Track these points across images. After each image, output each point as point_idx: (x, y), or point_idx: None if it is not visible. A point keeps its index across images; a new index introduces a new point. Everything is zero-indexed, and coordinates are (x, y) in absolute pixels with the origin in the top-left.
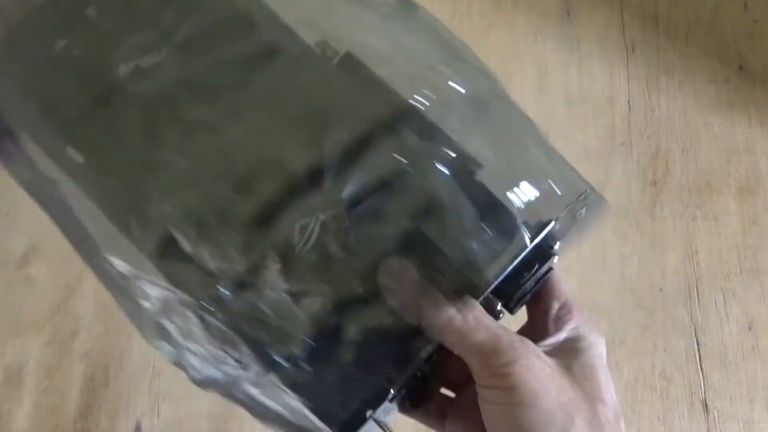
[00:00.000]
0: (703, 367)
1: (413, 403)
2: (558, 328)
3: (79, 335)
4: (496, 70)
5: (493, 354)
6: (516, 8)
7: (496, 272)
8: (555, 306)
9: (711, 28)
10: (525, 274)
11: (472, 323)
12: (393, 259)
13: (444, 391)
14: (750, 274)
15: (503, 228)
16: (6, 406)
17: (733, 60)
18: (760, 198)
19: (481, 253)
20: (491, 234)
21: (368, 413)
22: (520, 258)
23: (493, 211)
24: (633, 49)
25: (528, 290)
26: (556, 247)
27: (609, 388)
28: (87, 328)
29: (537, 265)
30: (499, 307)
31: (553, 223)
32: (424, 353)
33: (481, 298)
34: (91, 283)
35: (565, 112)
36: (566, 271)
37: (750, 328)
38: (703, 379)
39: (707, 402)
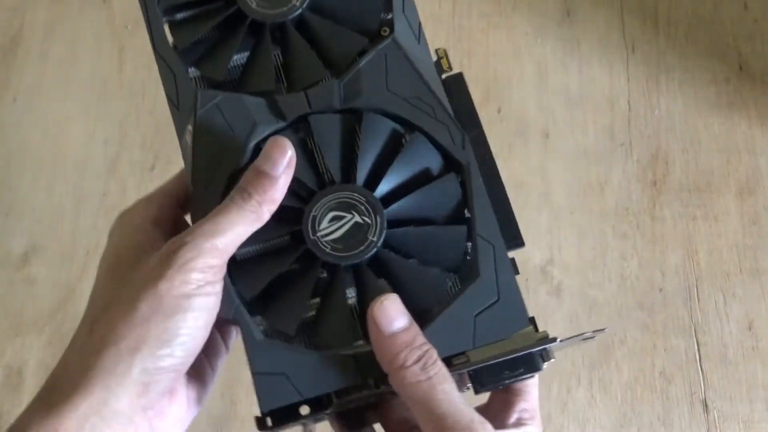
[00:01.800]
0: (703, 367)
1: (347, 424)
2: (516, 427)
3: None
4: (496, 70)
5: (449, 428)
6: (516, 9)
7: (483, 358)
8: (521, 406)
9: (711, 28)
10: (507, 372)
11: (440, 394)
12: (385, 297)
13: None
14: (750, 274)
15: (510, 317)
16: (6, 406)
17: (733, 60)
18: (760, 198)
19: (480, 330)
20: (498, 318)
21: (304, 412)
22: (511, 357)
23: (508, 298)
24: (633, 50)
25: (501, 386)
26: (546, 365)
27: None
28: None
29: (521, 370)
30: (468, 386)
31: (558, 342)
32: (380, 390)
33: (456, 372)
34: (91, 283)
35: (565, 112)
36: (567, 270)
37: (750, 328)
38: (703, 379)
39: (707, 402)
